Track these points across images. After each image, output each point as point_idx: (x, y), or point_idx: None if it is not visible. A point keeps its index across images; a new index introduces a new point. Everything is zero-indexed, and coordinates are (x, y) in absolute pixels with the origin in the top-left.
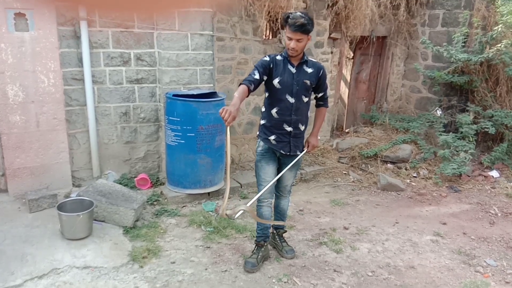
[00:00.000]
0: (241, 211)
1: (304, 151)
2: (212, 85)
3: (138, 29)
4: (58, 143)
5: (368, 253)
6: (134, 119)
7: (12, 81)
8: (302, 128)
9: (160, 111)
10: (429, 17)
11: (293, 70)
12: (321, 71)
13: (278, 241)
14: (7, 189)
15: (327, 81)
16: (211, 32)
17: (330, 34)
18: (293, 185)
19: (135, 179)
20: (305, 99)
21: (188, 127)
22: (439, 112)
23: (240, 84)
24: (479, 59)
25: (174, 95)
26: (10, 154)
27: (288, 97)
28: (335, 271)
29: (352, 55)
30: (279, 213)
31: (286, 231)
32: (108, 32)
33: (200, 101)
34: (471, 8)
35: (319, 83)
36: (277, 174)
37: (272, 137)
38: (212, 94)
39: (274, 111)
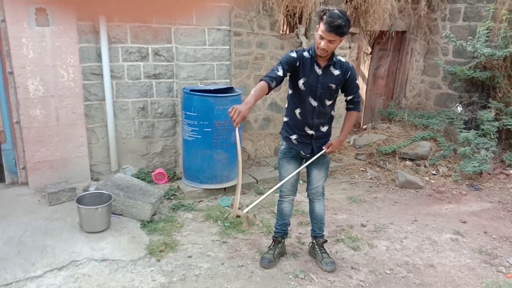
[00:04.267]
0: (243, 213)
1: (322, 152)
2: (229, 80)
3: (156, 24)
4: (77, 137)
5: (386, 251)
6: (151, 114)
7: (33, 75)
8: (325, 129)
9: (177, 106)
10: (450, 11)
11: (319, 71)
12: (349, 72)
13: (318, 252)
14: (28, 182)
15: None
16: (228, 27)
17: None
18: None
19: (153, 173)
20: (329, 102)
21: (205, 122)
22: (459, 109)
23: (261, 80)
24: (504, 54)
25: (191, 90)
26: (30, 148)
27: (311, 100)
28: (352, 268)
29: (370, 50)
30: (315, 219)
31: (326, 241)
32: (126, 27)
33: (217, 96)
34: (495, 2)
35: (346, 85)
36: (305, 173)
37: (294, 137)
38: (229, 90)
39: (297, 111)
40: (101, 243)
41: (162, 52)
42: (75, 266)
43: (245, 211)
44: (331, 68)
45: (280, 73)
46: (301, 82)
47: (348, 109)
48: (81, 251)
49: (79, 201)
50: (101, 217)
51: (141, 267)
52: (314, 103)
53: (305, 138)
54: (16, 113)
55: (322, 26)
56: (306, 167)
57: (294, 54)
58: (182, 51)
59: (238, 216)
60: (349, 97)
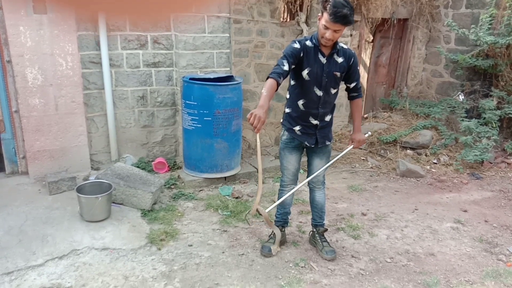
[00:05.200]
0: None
1: (349, 148)
2: (228, 68)
3: None
4: (77, 126)
5: (386, 240)
6: (151, 103)
7: (31, 64)
8: (328, 118)
9: (177, 95)
10: None
11: (324, 60)
12: (352, 59)
13: (319, 240)
14: (28, 171)
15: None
16: (228, 14)
17: None
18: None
19: (153, 163)
20: (333, 91)
21: (205, 111)
22: (461, 97)
23: (268, 77)
24: (507, 42)
25: (191, 79)
26: (30, 137)
27: (316, 89)
28: (352, 256)
29: (371, 38)
30: (315, 208)
31: (327, 229)
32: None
33: (217, 85)
34: None
35: (349, 72)
36: (306, 163)
37: (297, 128)
38: (228, 78)
39: (300, 102)
40: (101, 232)
41: (161, 40)
42: (76, 255)
43: (266, 210)
44: (335, 56)
45: (286, 67)
46: (305, 72)
47: (352, 97)
48: (81, 240)
49: (79, 190)
50: (101, 206)
51: (142, 255)
52: (320, 93)
53: (309, 129)
54: (15, 102)
55: (326, 16)
56: (308, 156)
57: (297, 45)
58: (181, 39)
59: (259, 214)
60: (352, 84)
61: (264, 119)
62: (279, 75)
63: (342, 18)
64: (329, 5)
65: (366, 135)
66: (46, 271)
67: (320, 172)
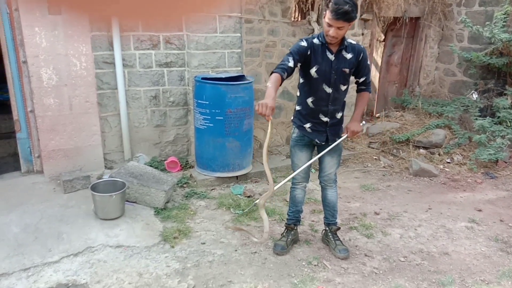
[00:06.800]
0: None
1: (343, 137)
2: (240, 68)
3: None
4: (91, 126)
5: (400, 239)
6: (163, 102)
7: (46, 64)
8: (339, 115)
9: (189, 94)
10: None
11: (332, 57)
12: (361, 54)
13: (331, 239)
14: (43, 170)
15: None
16: (239, 14)
17: (361, 15)
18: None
19: (165, 162)
20: (343, 88)
21: (216, 111)
22: (475, 96)
23: (272, 72)
24: None
25: (202, 79)
26: (45, 136)
27: (325, 87)
28: (366, 255)
29: (383, 37)
30: (327, 206)
31: (339, 228)
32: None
33: (228, 84)
34: None
35: (359, 67)
36: (317, 161)
37: (307, 125)
38: (240, 77)
39: (309, 100)
40: (115, 230)
41: (173, 40)
42: (91, 252)
43: (275, 187)
44: (343, 52)
45: (291, 64)
46: (313, 70)
47: (359, 90)
48: (96, 237)
49: (94, 188)
50: (115, 204)
51: (156, 253)
52: (329, 90)
53: (320, 126)
54: (30, 102)
55: (328, 14)
56: (318, 152)
57: (304, 43)
58: (193, 39)
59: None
60: (361, 79)
61: (272, 106)
62: (283, 70)
63: (343, 14)
64: (331, 3)
65: (361, 125)
66: (62, 268)
67: (305, 167)
